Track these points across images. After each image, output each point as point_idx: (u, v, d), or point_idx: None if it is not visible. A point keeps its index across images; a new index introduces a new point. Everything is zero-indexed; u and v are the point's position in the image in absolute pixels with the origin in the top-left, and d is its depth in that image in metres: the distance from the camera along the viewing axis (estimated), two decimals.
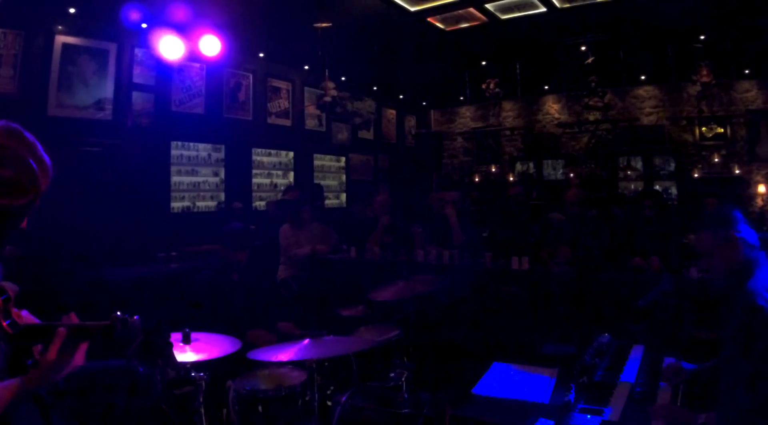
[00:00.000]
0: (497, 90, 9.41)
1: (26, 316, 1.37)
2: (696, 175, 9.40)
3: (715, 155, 9.37)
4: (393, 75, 9.75)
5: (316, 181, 9.51)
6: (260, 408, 2.47)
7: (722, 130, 9.37)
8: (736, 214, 1.92)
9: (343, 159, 10.40)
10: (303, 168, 9.37)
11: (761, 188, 8.95)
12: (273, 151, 8.84)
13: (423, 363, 3.26)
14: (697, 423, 1.80)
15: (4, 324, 1.21)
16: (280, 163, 9.01)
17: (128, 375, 2.07)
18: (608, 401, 2.03)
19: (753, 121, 9.16)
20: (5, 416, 1.13)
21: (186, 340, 2.36)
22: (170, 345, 1.33)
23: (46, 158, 1.28)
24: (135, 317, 1.28)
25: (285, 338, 3.24)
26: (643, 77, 9.83)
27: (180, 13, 5.62)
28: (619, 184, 10.00)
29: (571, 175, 10.28)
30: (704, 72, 8.12)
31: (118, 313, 1.26)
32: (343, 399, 2.66)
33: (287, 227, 5.59)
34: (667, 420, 1.84)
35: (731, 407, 1.70)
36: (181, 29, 5.73)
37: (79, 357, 1.27)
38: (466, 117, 12.40)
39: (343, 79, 8.87)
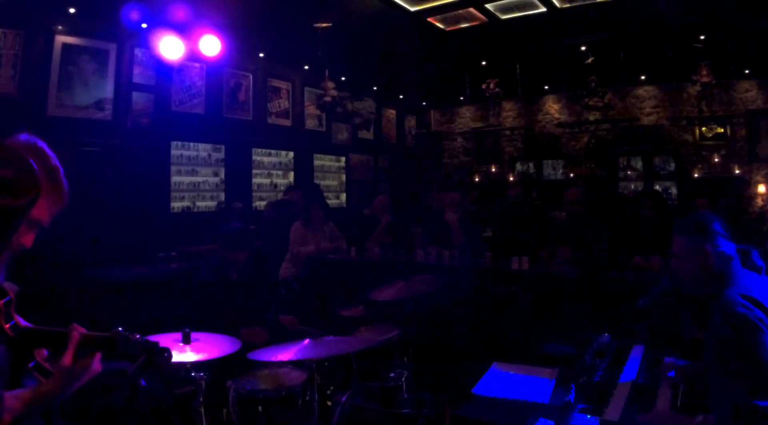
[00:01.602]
0: (497, 90, 9.39)
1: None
2: (696, 175, 9.40)
3: (715, 155, 9.38)
4: (393, 75, 9.74)
5: (316, 181, 9.52)
6: (260, 408, 2.46)
7: (722, 130, 9.38)
8: (713, 226, 1.87)
9: (343, 159, 10.41)
10: (303, 168, 9.38)
11: (761, 188, 8.95)
12: (273, 151, 8.84)
13: (423, 363, 3.26)
14: (694, 423, 1.80)
15: (6, 326, 1.21)
16: (280, 163, 9.01)
17: (129, 378, 2.08)
18: (608, 401, 2.03)
19: (753, 121, 9.17)
20: None
21: (186, 340, 2.36)
22: (171, 367, 1.35)
23: (65, 183, 1.28)
24: (136, 335, 1.30)
25: (279, 334, 3.24)
26: (643, 77, 9.82)
27: (180, 13, 5.62)
28: (619, 184, 10.00)
29: (571, 174, 10.28)
30: (704, 72, 8.11)
31: (120, 329, 1.27)
32: (343, 399, 2.66)
33: (299, 225, 5.62)
34: None
35: (725, 408, 1.70)
36: (181, 29, 5.73)
37: (96, 366, 1.27)
38: (466, 117, 12.41)
39: (343, 79, 8.87)
